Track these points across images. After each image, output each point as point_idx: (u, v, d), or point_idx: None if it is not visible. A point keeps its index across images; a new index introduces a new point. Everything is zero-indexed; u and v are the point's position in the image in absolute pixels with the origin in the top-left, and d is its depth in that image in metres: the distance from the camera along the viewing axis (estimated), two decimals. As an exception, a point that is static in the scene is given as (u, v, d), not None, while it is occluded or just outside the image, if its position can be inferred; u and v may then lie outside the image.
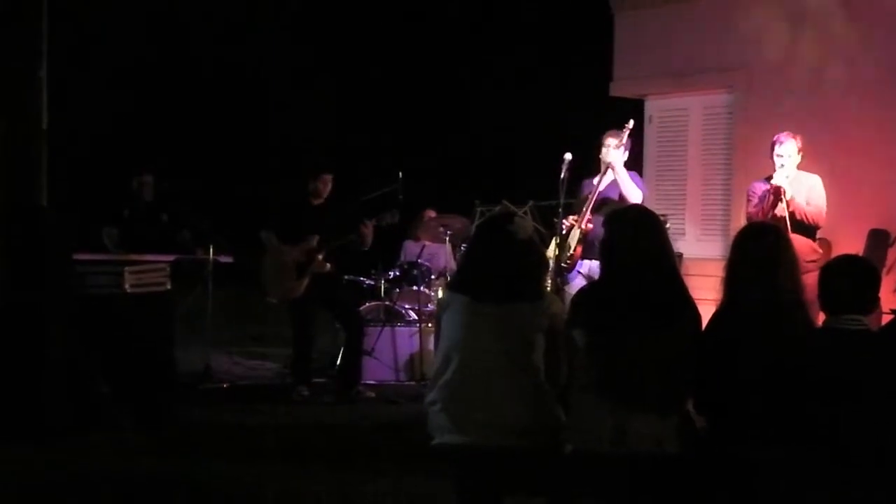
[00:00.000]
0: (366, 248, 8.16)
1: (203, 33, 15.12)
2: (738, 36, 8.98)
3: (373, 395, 8.04)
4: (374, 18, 15.47)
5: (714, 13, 9.25)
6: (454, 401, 4.09)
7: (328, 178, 8.13)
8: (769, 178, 7.11)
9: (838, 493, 3.67)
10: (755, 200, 7.16)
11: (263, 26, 15.52)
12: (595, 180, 7.52)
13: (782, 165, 7.05)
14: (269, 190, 9.75)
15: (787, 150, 7.07)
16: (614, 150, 7.39)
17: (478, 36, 14.92)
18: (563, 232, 7.46)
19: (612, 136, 7.50)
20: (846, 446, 3.68)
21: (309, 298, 8.02)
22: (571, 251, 7.40)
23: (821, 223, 7.07)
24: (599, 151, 7.53)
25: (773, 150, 7.14)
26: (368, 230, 8.00)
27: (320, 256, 7.98)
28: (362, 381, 8.20)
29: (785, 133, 7.18)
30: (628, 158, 7.63)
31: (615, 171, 7.40)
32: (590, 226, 7.33)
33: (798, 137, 7.15)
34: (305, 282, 7.97)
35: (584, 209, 7.41)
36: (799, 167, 7.19)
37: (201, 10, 14.68)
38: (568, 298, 6.36)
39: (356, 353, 8.13)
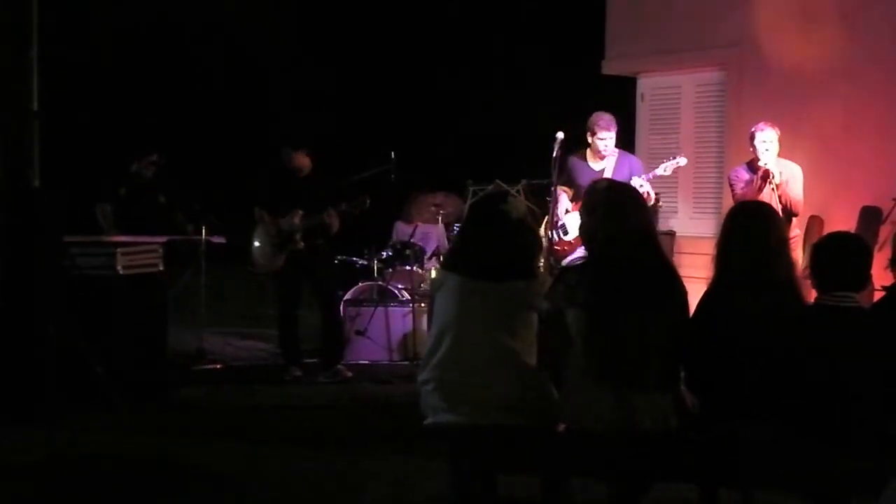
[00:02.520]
0: (332, 234, 8.04)
1: (198, 16, 15.05)
2: (730, 14, 8.96)
3: (350, 374, 7.96)
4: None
5: (706, -9, 9.24)
6: (447, 380, 4.09)
7: (303, 154, 8.02)
8: (749, 164, 7.24)
9: (829, 470, 3.69)
10: (741, 184, 7.30)
11: (261, 10, 15.44)
12: (596, 167, 7.47)
13: (767, 150, 7.21)
14: (256, 165, 9.67)
15: (770, 137, 7.25)
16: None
17: (469, 15, 14.87)
18: (565, 212, 7.38)
19: (611, 125, 7.48)
20: (837, 423, 3.69)
21: (288, 274, 7.97)
22: (570, 238, 7.36)
23: (799, 212, 7.26)
24: (591, 131, 7.48)
25: (752, 138, 7.30)
26: (332, 218, 7.88)
27: (298, 235, 7.90)
28: (355, 361, 8.19)
29: (763, 122, 7.32)
30: (618, 137, 7.62)
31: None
32: None
33: (776, 127, 7.28)
34: (283, 257, 7.92)
35: None
36: (778, 156, 7.31)
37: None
38: None
39: (332, 331, 8.08)
